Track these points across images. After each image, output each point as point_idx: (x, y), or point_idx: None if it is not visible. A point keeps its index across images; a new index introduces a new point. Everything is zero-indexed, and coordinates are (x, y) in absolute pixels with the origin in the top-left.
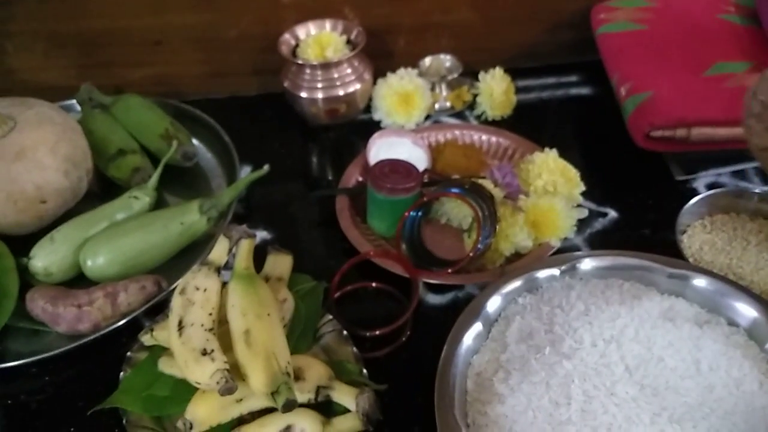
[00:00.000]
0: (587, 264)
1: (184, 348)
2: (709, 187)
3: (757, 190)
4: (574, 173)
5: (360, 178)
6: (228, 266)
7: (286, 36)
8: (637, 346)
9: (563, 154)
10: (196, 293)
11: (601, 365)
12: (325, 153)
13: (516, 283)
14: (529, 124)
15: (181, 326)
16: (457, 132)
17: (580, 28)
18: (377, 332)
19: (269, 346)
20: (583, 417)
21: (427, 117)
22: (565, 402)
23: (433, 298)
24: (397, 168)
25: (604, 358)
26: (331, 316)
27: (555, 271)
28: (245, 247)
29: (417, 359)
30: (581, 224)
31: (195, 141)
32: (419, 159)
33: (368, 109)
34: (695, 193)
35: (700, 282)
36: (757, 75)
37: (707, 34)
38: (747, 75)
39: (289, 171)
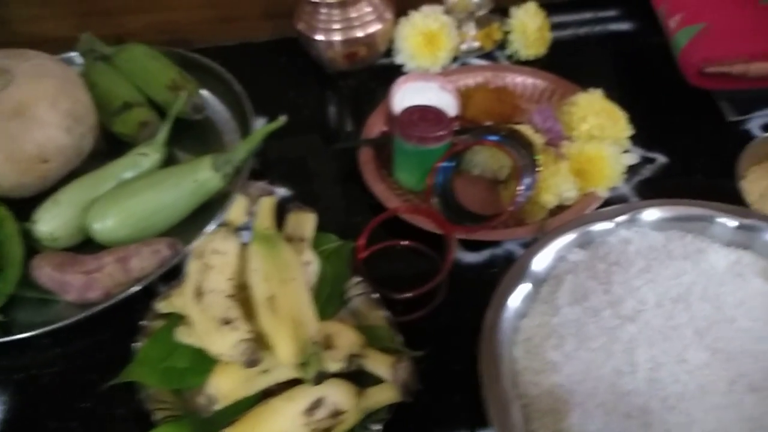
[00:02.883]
0: (648, 215)
1: (203, 317)
2: (765, 128)
3: None
4: (621, 115)
5: (385, 128)
6: (247, 227)
7: None
8: (707, 306)
9: (607, 96)
10: (214, 257)
11: (668, 328)
12: (344, 101)
13: (566, 238)
14: (566, 63)
15: (199, 293)
16: (488, 74)
17: None
18: (410, 294)
19: (296, 312)
20: (651, 386)
21: (455, 59)
22: (630, 370)
23: (469, 257)
24: (427, 115)
25: (671, 320)
26: (359, 278)
27: (609, 224)
28: (266, 206)
29: (454, 322)
30: (628, 171)
31: (205, 92)
32: (448, 105)
33: (390, 52)
34: (749, 135)
35: None
36: None
37: None
38: None
39: (307, 122)
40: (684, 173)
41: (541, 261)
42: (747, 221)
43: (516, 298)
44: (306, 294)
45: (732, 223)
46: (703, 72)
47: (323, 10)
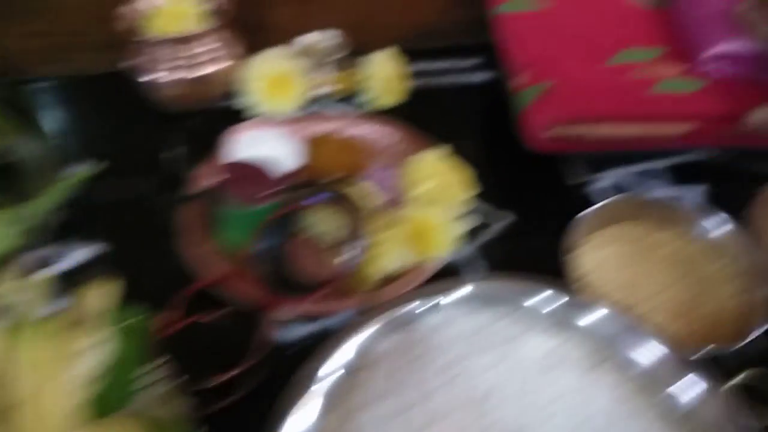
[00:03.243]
0: (467, 293)
1: None
2: (609, 192)
3: (663, 196)
4: (464, 176)
5: (216, 181)
6: (12, 308)
7: (131, 4)
8: (524, 399)
9: (456, 152)
10: None
11: (480, 428)
12: (180, 147)
13: (377, 323)
14: (423, 114)
15: None
16: (340, 123)
17: (483, 6)
18: (220, 378)
19: (56, 420)
20: None
21: (305, 105)
22: None
23: (293, 331)
24: (254, 170)
25: (482, 419)
26: (161, 361)
27: (428, 303)
28: (38, 283)
29: (272, 408)
30: (469, 237)
31: (26, 132)
32: (291, 156)
33: (235, 94)
34: (594, 199)
35: (593, 316)
36: (665, 64)
37: (614, 16)
38: (653, 65)
39: (137, 169)
40: (530, 237)
41: (344, 353)
42: (568, 301)
43: (308, 403)
44: (72, 392)
45: (554, 302)
46: (544, 134)
47: (158, 47)
